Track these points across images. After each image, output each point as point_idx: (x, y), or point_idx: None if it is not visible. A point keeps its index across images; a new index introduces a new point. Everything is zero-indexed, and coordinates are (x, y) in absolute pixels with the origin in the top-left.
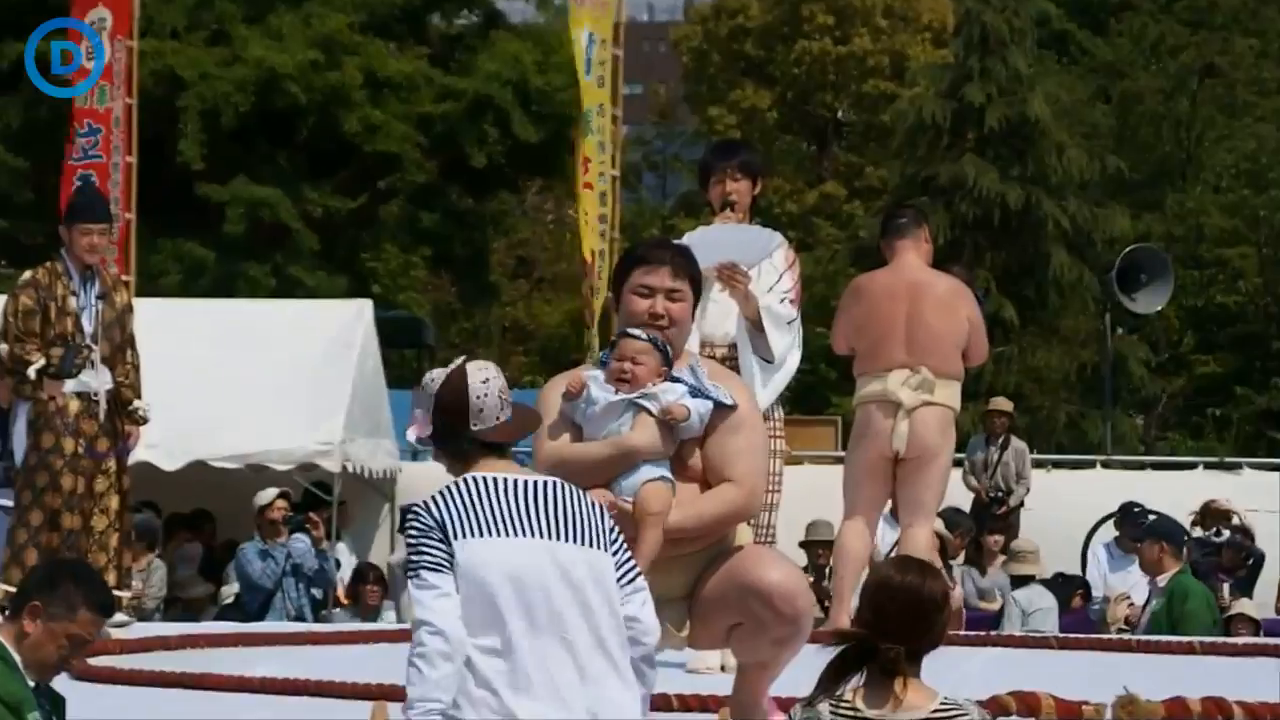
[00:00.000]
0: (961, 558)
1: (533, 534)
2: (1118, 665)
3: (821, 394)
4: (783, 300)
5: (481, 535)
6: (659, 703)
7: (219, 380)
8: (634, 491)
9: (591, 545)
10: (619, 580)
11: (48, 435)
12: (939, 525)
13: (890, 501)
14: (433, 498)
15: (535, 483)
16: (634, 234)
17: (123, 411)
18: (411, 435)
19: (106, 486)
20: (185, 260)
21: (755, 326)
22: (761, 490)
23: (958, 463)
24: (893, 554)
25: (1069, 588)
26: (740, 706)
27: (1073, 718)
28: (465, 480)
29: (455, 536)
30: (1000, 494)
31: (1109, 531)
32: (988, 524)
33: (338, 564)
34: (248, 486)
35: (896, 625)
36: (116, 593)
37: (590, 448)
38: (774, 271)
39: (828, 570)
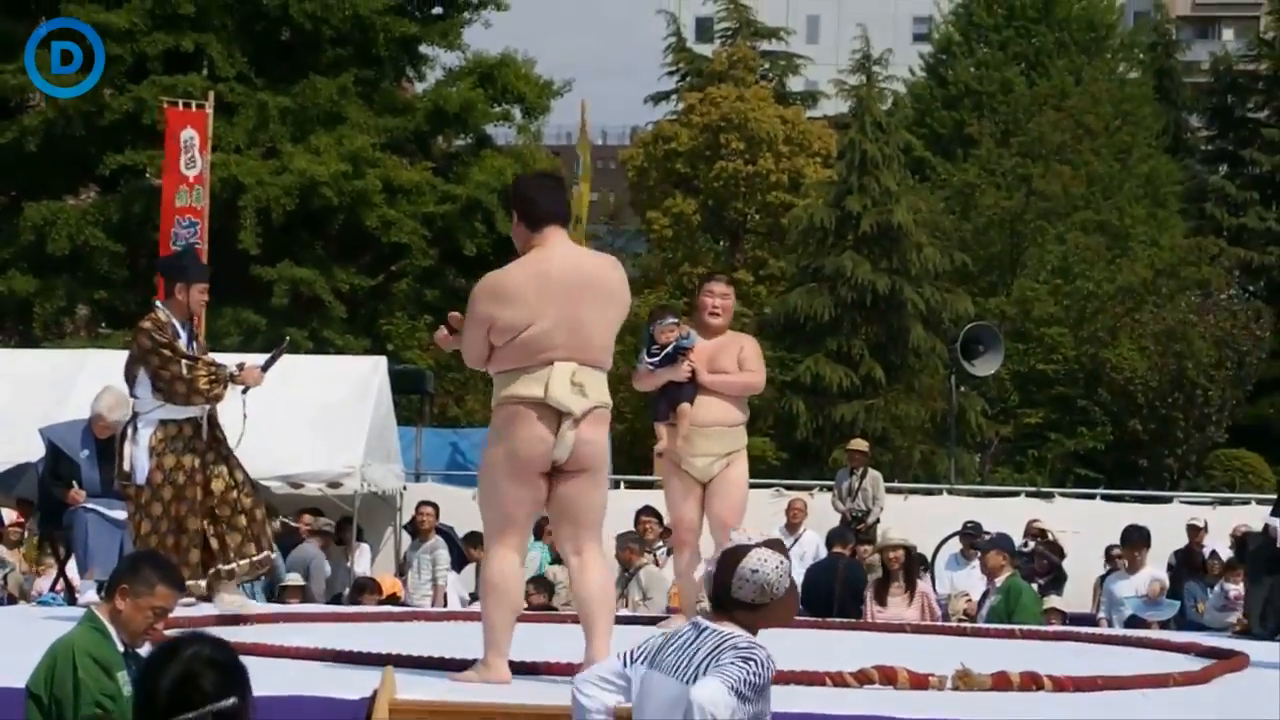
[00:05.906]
0: None
1: None
2: (957, 647)
3: None
4: None
5: None
6: None
7: (269, 419)
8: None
9: None
10: None
11: (169, 457)
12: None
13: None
14: None
15: None
16: None
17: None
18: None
19: (223, 487)
20: (243, 325)
21: None
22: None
23: (827, 488)
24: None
25: None
26: None
27: (922, 686)
28: None
29: None
30: (861, 513)
31: (953, 545)
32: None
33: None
34: (289, 499)
35: None
36: (257, 558)
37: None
38: None
39: None
